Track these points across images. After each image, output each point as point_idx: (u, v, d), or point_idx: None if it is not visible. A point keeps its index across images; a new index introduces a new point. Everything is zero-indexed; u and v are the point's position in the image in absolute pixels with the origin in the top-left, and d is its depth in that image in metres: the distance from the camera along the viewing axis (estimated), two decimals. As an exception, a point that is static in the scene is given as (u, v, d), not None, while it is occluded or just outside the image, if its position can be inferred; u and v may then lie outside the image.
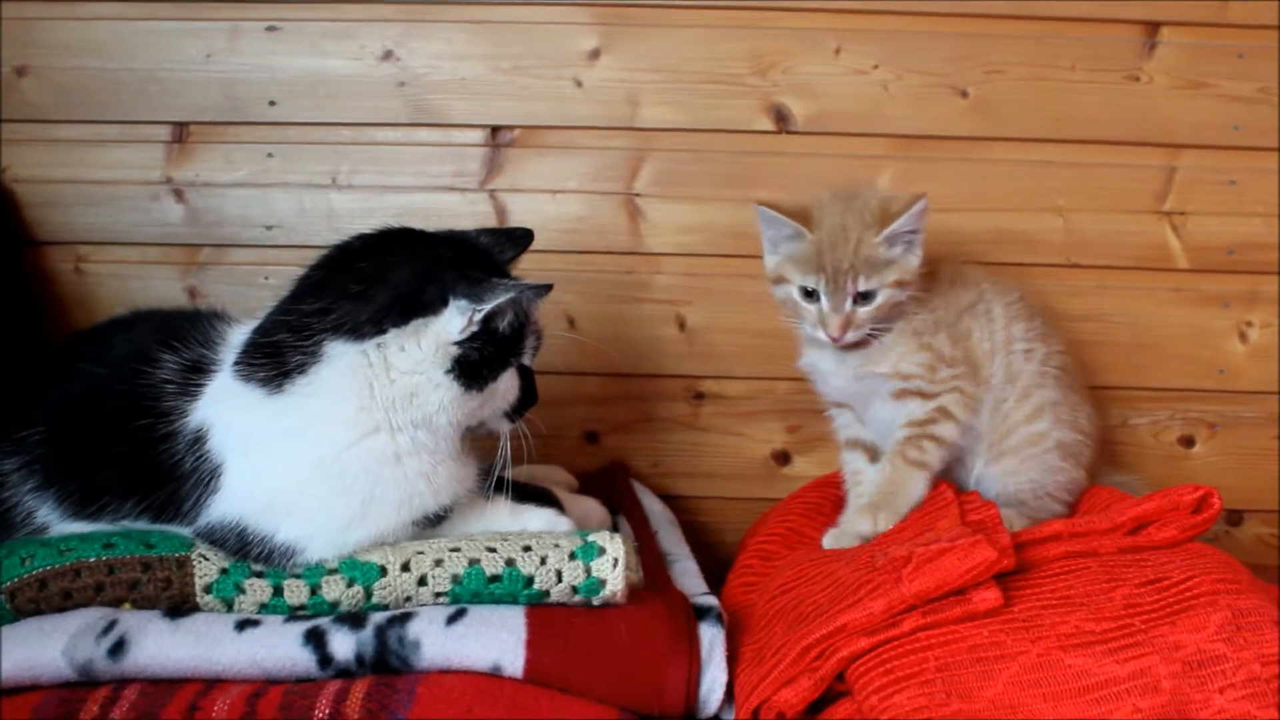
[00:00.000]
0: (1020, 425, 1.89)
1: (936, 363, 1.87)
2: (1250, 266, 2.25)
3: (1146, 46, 2.20)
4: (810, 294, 1.83)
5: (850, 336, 1.82)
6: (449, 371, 1.57)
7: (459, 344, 1.56)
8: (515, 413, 1.69)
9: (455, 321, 1.55)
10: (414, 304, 1.55)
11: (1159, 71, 2.20)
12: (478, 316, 1.55)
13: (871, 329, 1.84)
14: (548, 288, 1.60)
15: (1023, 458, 1.89)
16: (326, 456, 1.55)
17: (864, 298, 1.81)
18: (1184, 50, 2.20)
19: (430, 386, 1.57)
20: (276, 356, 1.56)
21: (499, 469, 1.68)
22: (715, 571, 1.98)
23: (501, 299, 1.55)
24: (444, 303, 1.55)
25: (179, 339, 1.66)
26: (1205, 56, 2.20)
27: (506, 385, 1.64)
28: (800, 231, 1.81)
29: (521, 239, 1.73)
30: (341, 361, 1.55)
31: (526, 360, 1.68)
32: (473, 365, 1.58)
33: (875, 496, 1.87)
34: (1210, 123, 2.22)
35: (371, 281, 1.56)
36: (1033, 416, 1.90)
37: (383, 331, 1.55)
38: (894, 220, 1.79)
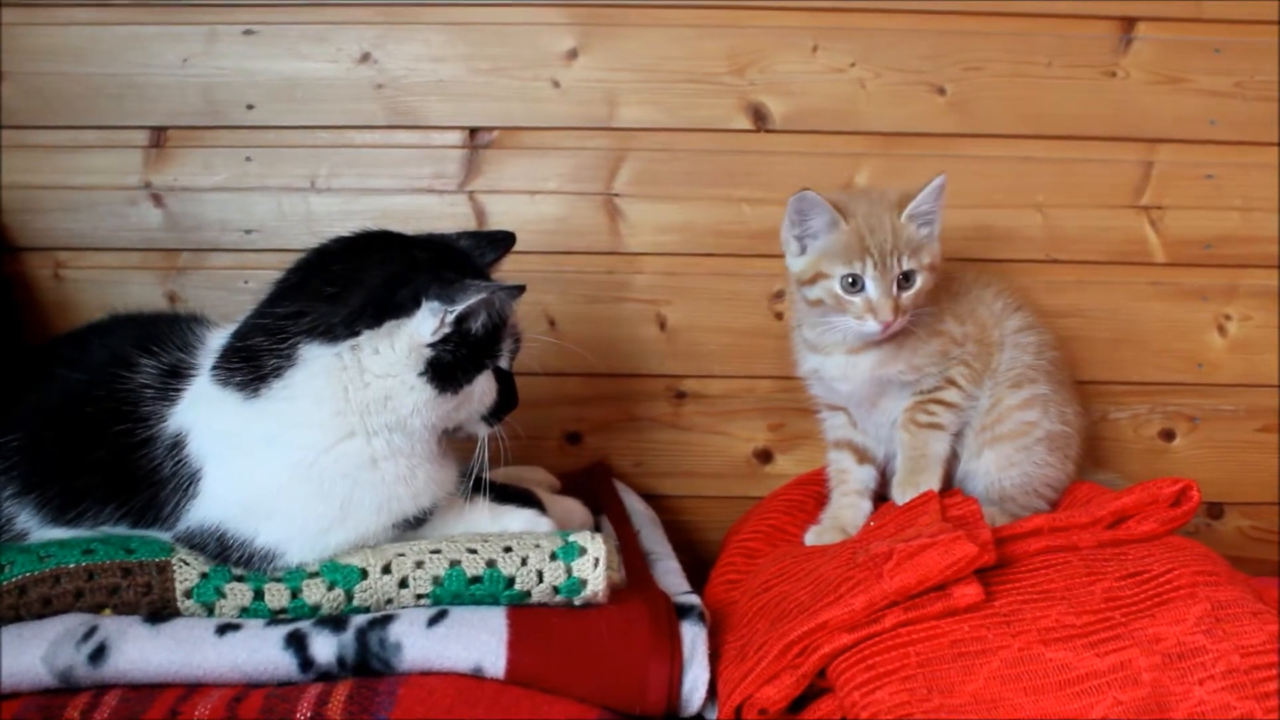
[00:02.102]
0: (1013, 411, 1.90)
1: (949, 346, 1.88)
2: (1228, 260, 2.26)
3: (1123, 42, 2.20)
4: (853, 284, 1.80)
5: (898, 323, 1.80)
6: (422, 374, 1.56)
7: (432, 346, 1.56)
8: (494, 416, 1.69)
9: (427, 323, 1.54)
10: (387, 305, 1.55)
11: (1135, 67, 2.21)
12: (450, 317, 1.55)
13: (912, 316, 1.83)
14: (520, 289, 1.60)
15: (1015, 447, 1.89)
16: (304, 461, 1.55)
17: (905, 281, 1.80)
18: (1160, 46, 2.21)
19: (404, 389, 1.56)
20: (253, 360, 1.56)
21: (476, 470, 1.68)
22: (698, 570, 1.98)
23: (473, 299, 1.54)
24: (416, 304, 1.54)
25: (158, 343, 1.66)
26: (1181, 52, 2.21)
27: (482, 388, 1.64)
28: (837, 220, 1.79)
29: (502, 241, 1.73)
30: (316, 365, 1.55)
31: (504, 363, 1.67)
32: (446, 367, 1.57)
33: (906, 464, 1.88)
34: (1187, 117, 2.23)
35: (346, 284, 1.56)
36: (1025, 405, 1.90)
37: (356, 334, 1.54)
38: (916, 195, 1.80)
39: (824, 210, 1.79)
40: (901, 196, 1.82)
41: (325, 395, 1.55)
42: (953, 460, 1.92)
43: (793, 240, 1.85)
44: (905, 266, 1.79)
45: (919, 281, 1.81)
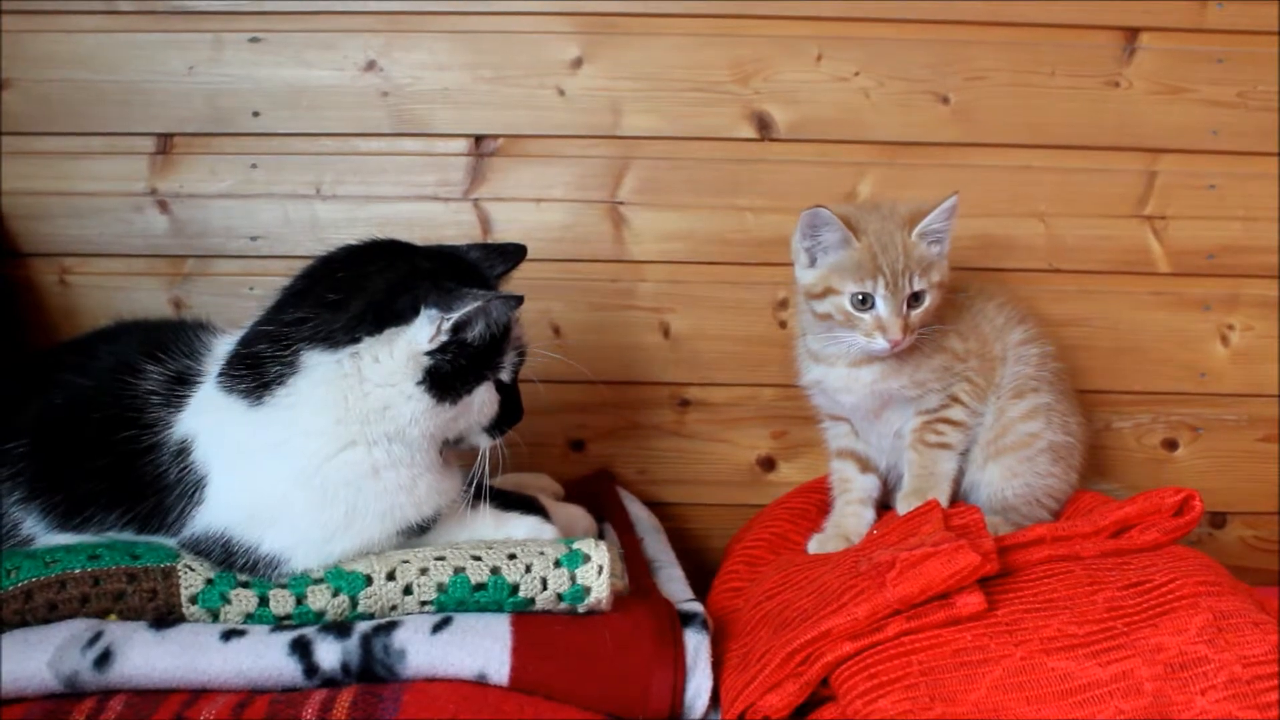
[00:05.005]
0: (1016, 422, 1.90)
1: (952, 362, 1.88)
2: (1230, 270, 2.26)
3: (1126, 52, 2.21)
4: (864, 302, 1.80)
5: (907, 342, 1.80)
6: (420, 383, 1.56)
7: (430, 354, 1.56)
8: (495, 428, 1.68)
9: (425, 330, 1.54)
10: (387, 313, 1.55)
11: (1138, 77, 2.21)
12: (446, 325, 1.54)
13: (920, 333, 1.83)
14: (518, 299, 1.59)
15: (1018, 458, 1.89)
16: (308, 468, 1.55)
17: (915, 300, 1.80)
18: (1163, 55, 2.21)
19: (402, 398, 1.56)
20: (257, 367, 1.56)
21: (477, 478, 1.68)
22: (701, 577, 1.98)
23: (470, 307, 1.53)
24: (415, 312, 1.54)
25: (164, 350, 1.66)
26: (1184, 62, 2.21)
27: (482, 400, 1.63)
28: (848, 238, 1.79)
29: (513, 254, 1.72)
30: (317, 372, 1.55)
31: (505, 376, 1.66)
32: (445, 377, 1.57)
33: (914, 482, 1.89)
34: (1189, 127, 2.23)
35: (348, 291, 1.57)
36: (1027, 416, 1.90)
37: (356, 340, 1.55)
38: (928, 214, 1.80)
39: (836, 227, 1.79)
40: (912, 214, 1.82)
41: (327, 403, 1.55)
42: (958, 476, 1.92)
43: (803, 252, 1.85)
44: (916, 287, 1.79)
45: (928, 300, 1.81)
